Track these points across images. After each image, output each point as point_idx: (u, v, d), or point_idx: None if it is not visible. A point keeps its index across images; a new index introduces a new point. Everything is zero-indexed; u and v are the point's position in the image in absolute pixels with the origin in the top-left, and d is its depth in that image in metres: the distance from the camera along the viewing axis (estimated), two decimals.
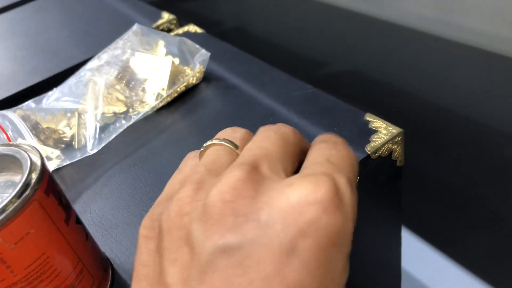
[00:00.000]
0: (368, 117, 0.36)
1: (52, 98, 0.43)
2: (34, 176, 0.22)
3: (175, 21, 0.59)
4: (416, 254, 0.58)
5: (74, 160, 0.38)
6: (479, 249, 0.55)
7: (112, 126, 0.40)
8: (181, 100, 0.43)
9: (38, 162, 0.23)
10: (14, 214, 0.21)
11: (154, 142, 0.39)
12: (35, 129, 0.38)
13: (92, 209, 0.34)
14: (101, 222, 0.32)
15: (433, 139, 0.54)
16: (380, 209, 0.39)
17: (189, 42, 0.43)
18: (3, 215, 0.20)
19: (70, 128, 0.40)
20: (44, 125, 0.39)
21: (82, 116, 0.40)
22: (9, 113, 0.38)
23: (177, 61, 0.44)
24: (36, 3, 0.75)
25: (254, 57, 0.47)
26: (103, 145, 0.38)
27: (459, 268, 0.56)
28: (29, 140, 0.35)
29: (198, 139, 0.38)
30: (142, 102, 0.42)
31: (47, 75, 0.54)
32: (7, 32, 0.68)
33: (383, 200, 0.39)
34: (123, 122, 0.39)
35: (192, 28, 0.55)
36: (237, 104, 0.41)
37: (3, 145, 0.25)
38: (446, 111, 0.51)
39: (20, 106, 0.43)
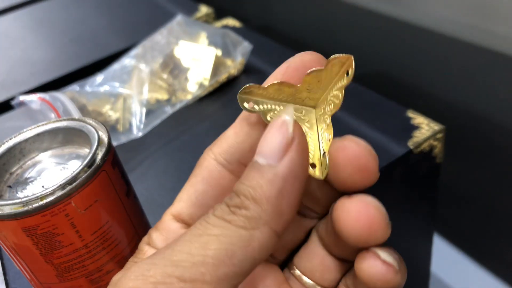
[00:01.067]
0: (410, 113, 0.36)
1: (96, 83, 0.44)
2: (103, 148, 0.23)
3: (212, 15, 0.60)
4: (446, 258, 0.58)
5: (119, 143, 0.39)
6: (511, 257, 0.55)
7: (156, 112, 0.41)
8: (222, 91, 0.44)
9: (105, 136, 0.24)
10: (86, 181, 0.22)
11: (197, 129, 0.40)
12: (82, 111, 0.40)
13: (139, 189, 0.35)
14: (147, 201, 0.33)
15: (466, 145, 0.54)
16: (416, 206, 0.40)
17: (232, 34, 0.44)
18: (76, 182, 0.21)
19: (115, 112, 0.41)
20: (90, 108, 0.41)
21: (127, 100, 0.41)
22: (59, 94, 0.39)
23: (219, 52, 0.45)
24: None
25: (292, 50, 0.47)
26: (149, 129, 0.39)
27: (490, 275, 0.56)
28: None
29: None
30: (184, 90, 0.43)
31: (87, 62, 0.55)
32: (48, 20, 0.69)
33: (420, 197, 0.39)
34: (168, 108, 0.40)
35: (230, 21, 0.56)
36: None
37: (69, 119, 0.26)
38: (480, 117, 0.52)
39: (65, 89, 0.44)
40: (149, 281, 0.14)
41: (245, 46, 0.44)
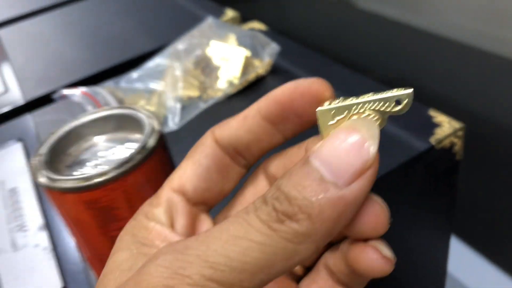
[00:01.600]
0: (432, 112, 0.38)
1: (131, 79, 0.47)
2: (155, 133, 0.25)
3: (238, 18, 0.63)
4: (462, 257, 0.59)
5: None
6: None
7: (189, 107, 0.43)
8: (251, 89, 0.46)
9: (155, 123, 0.26)
10: (141, 162, 0.24)
11: None
12: (120, 104, 0.42)
13: None
14: None
15: (484, 145, 0.56)
16: (435, 203, 0.42)
17: (260, 36, 0.47)
18: (133, 162, 0.24)
19: (150, 107, 0.44)
20: (127, 102, 0.43)
21: (162, 96, 0.44)
22: (99, 88, 0.42)
23: (248, 53, 0.47)
24: None
25: (317, 52, 0.50)
26: (184, 123, 0.41)
27: (506, 276, 0.57)
28: None
29: None
30: (215, 88, 0.45)
31: (118, 61, 0.58)
32: (79, 21, 0.73)
33: (439, 194, 0.41)
34: (201, 104, 0.43)
35: (256, 25, 0.58)
36: None
37: (121, 107, 0.28)
38: (497, 119, 0.53)
39: (101, 84, 0.47)
40: (186, 282, 0.13)
41: (273, 48, 0.46)
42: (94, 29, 0.68)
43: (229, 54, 0.46)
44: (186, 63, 0.45)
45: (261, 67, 0.46)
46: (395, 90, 0.16)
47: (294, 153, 0.19)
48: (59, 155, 0.27)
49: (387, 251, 0.16)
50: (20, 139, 0.46)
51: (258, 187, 0.20)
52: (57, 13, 0.77)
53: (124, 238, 0.18)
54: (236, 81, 0.45)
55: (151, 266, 0.14)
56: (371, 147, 0.14)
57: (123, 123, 0.28)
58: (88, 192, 0.23)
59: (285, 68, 0.48)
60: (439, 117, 0.38)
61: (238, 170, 0.20)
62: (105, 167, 0.24)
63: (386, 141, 0.37)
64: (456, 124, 0.37)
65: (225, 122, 0.20)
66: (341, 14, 0.77)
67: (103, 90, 0.41)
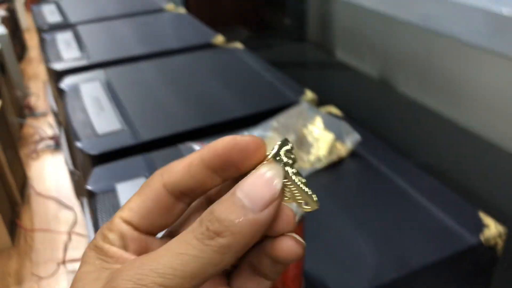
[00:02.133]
0: (481, 214, 0.49)
1: None
2: None
3: (316, 100, 0.75)
4: None
5: None
6: None
7: None
8: (334, 168, 0.57)
9: None
10: None
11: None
12: None
13: None
14: None
15: None
16: None
17: (347, 126, 0.58)
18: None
19: None
20: None
21: None
22: None
23: (333, 137, 0.59)
24: (198, 54, 0.93)
25: (389, 147, 0.61)
26: None
27: None
28: None
29: (341, 200, 0.52)
30: (305, 161, 0.57)
31: (215, 121, 0.69)
32: (175, 72, 0.85)
33: (477, 284, 0.51)
34: None
35: (333, 110, 0.70)
36: (371, 182, 0.55)
37: None
38: None
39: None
40: None
41: (356, 137, 0.58)
42: (191, 85, 0.81)
43: (320, 136, 0.58)
44: (286, 137, 0.56)
45: (343, 151, 0.58)
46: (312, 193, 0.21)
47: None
48: None
49: (299, 238, 0.21)
50: (145, 175, 0.57)
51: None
52: (156, 62, 0.90)
53: (89, 254, 0.21)
54: (323, 159, 0.56)
55: (118, 279, 0.19)
56: (278, 185, 0.20)
57: None
58: None
59: (360, 155, 0.60)
60: (487, 219, 0.48)
61: (181, 206, 0.23)
62: None
63: (439, 233, 0.47)
64: (501, 228, 0.47)
65: (172, 167, 0.22)
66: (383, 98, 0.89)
67: None
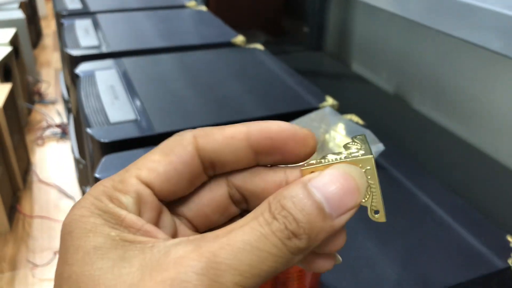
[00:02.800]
0: (509, 237, 0.47)
1: None
2: None
3: (337, 107, 0.73)
4: None
5: None
6: None
7: None
8: None
9: None
10: None
11: None
12: None
13: None
14: None
15: None
16: None
17: (371, 135, 0.56)
18: None
19: None
20: None
21: None
22: None
23: None
24: (218, 52, 0.92)
25: (412, 160, 0.59)
26: None
27: None
28: None
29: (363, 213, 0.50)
30: None
31: (232, 119, 0.67)
32: (193, 67, 0.83)
33: None
34: None
35: (355, 118, 0.68)
36: (394, 196, 0.53)
37: None
38: None
39: None
40: None
41: (379, 146, 0.55)
42: (209, 81, 0.79)
43: (342, 143, 0.55)
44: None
45: None
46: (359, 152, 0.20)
47: (268, 175, 0.21)
48: None
49: (339, 257, 0.20)
50: None
51: (215, 193, 0.21)
52: (175, 56, 0.88)
53: (92, 220, 0.17)
54: None
55: (188, 273, 0.15)
56: (362, 192, 0.18)
57: None
58: None
59: (382, 164, 0.57)
60: None
61: (203, 178, 0.21)
62: None
63: (465, 254, 0.44)
64: None
65: (210, 133, 0.20)
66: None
67: None
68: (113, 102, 0.70)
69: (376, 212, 0.19)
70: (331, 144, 0.55)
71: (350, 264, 0.43)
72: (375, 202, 0.19)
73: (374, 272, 0.42)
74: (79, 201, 0.18)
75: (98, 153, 0.60)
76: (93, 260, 0.16)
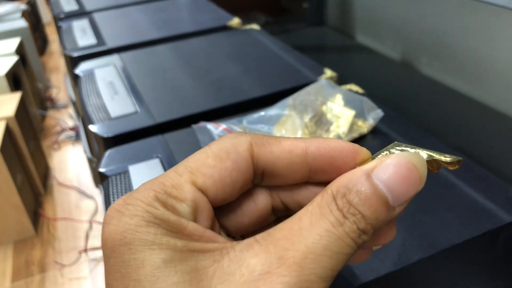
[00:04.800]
0: None
1: (253, 120, 0.56)
2: None
3: (336, 78, 0.72)
4: None
5: None
6: None
7: None
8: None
9: None
10: None
11: None
12: None
13: None
14: None
15: None
16: (509, 270, 0.48)
17: (369, 102, 0.55)
18: None
19: None
20: None
21: None
22: (235, 126, 0.51)
23: (354, 113, 0.56)
24: (214, 36, 0.91)
25: (412, 123, 0.58)
26: None
27: None
28: None
29: None
30: None
31: (229, 102, 0.67)
32: (192, 55, 0.83)
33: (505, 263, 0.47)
34: None
35: (354, 87, 0.67)
36: None
37: None
38: None
39: (230, 121, 0.56)
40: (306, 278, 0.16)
41: (378, 113, 0.55)
42: (206, 67, 0.79)
43: (340, 113, 0.55)
44: (304, 115, 0.54)
45: (365, 127, 0.55)
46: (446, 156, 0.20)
47: (309, 192, 0.21)
48: None
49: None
50: (157, 156, 0.55)
51: (258, 204, 0.21)
52: (171, 46, 0.88)
53: (151, 231, 0.15)
54: (343, 136, 0.54)
55: (268, 282, 0.15)
56: (423, 182, 0.18)
57: None
58: None
59: (382, 131, 0.57)
60: None
61: (249, 186, 0.20)
62: None
63: (469, 211, 0.44)
64: None
65: (265, 142, 0.19)
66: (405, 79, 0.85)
67: (238, 128, 0.51)
68: (113, 97, 0.70)
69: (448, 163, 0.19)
70: (329, 116, 0.55)
71: None
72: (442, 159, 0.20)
73: None
74: (125, 207, 0.16)
75: (103, 148, 0.61)
76: (165, 274, 0.14)
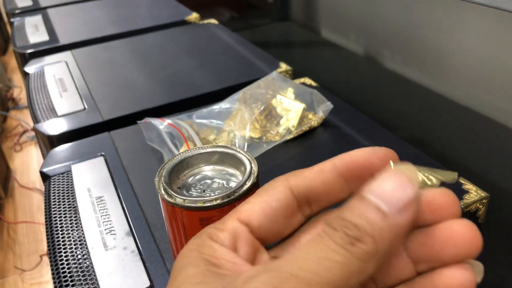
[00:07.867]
0: (462, 180, 0.46)
1: (202, 115, 0.55)
2: (255, 168, 0.33)
3: (290, 72, 0.71)
4: None
5: None
6: None
7: (253, 146, 0.51)
8: (304, 137, 0.53)
9: (253, 162, 0.33)
10: (247, 191, 0.31)
11: (285, 166, 0.49)
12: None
13: None
14: None
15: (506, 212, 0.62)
16: None
17: (317, 93, 0.55)
18: (242, 191, 0.31)
19: (220, 142, 0.51)
20: (201, 136, 0.51)
21: (230, 134, 0.51)
22: (181, 122, 0.49)
23: (304, 107, 0.55)
24: (171, 31, 0.89)
25: (362, 114, 0.57)
26: None
27: None
28: (199, 145, 0.47)
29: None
30: (274, 133, 0.53)
31: (182, 97, 0.65)
32: (145, 51, 0.81)
33: None
34: (264, 145, 0.50)
35: (308, 80, 0.66)
36: (342, 149, 0.51)
37: (223, 146, 0.35)
38: None
39: (178, 116, 0.55)
40: None
41: (327, 105, 0.54)
42: (160, 62, 0.77)
43: (290, 106, 0.54)
44: (254, 109, 0.53)
45: (315, 120, 0.54)
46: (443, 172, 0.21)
47: None
48: (173, 178, 0.34)
49: (480, 266, 0.19)
50: (101, 154, 0.53)
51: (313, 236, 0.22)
52: (126, 41, 0.86)
53: (191, 255, 0.19)
54: (293, 129, 0.53)
55: (252, 283, 0.16)
56: (414, 187, 0.18)
57: (223, 159, 0.35)
58: (205, 211, 0.30)
59: (333, 124, 0.56)
60: (468, 185, 0.45)
61: (299, 218, 0.22)
62: (217, 194, 0.31)
63: None
64: (482, 193, 0.44)
65: (299, 172, 0.21)
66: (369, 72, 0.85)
67: (184, 124, 0.49)
68: (62, 94, 0.68)
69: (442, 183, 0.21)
70: (279, 109, 0.54)
71: None
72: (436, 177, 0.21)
73: None
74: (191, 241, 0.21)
75: (48, 147, 0.59)
76: (183, 283, 0.18)
